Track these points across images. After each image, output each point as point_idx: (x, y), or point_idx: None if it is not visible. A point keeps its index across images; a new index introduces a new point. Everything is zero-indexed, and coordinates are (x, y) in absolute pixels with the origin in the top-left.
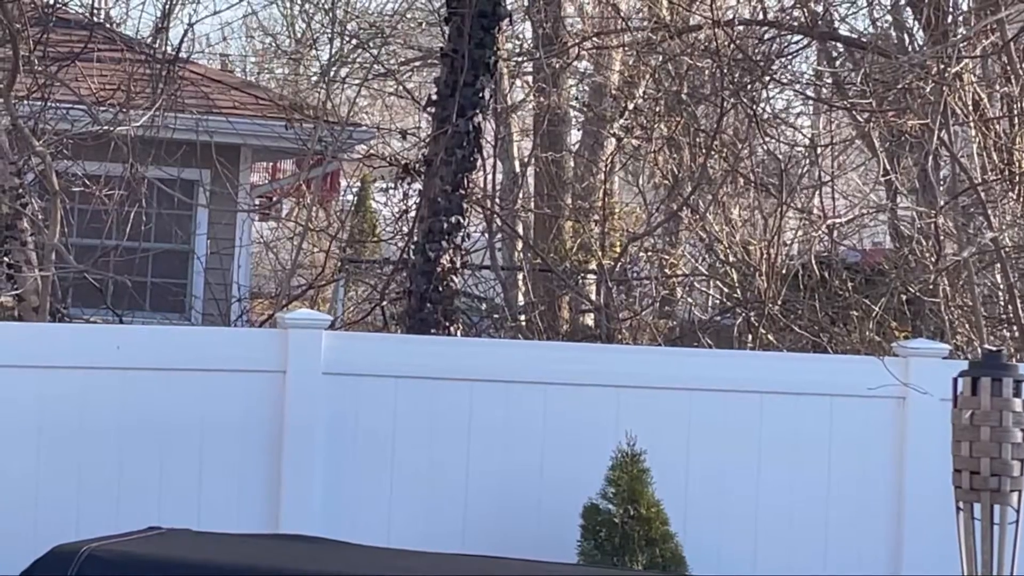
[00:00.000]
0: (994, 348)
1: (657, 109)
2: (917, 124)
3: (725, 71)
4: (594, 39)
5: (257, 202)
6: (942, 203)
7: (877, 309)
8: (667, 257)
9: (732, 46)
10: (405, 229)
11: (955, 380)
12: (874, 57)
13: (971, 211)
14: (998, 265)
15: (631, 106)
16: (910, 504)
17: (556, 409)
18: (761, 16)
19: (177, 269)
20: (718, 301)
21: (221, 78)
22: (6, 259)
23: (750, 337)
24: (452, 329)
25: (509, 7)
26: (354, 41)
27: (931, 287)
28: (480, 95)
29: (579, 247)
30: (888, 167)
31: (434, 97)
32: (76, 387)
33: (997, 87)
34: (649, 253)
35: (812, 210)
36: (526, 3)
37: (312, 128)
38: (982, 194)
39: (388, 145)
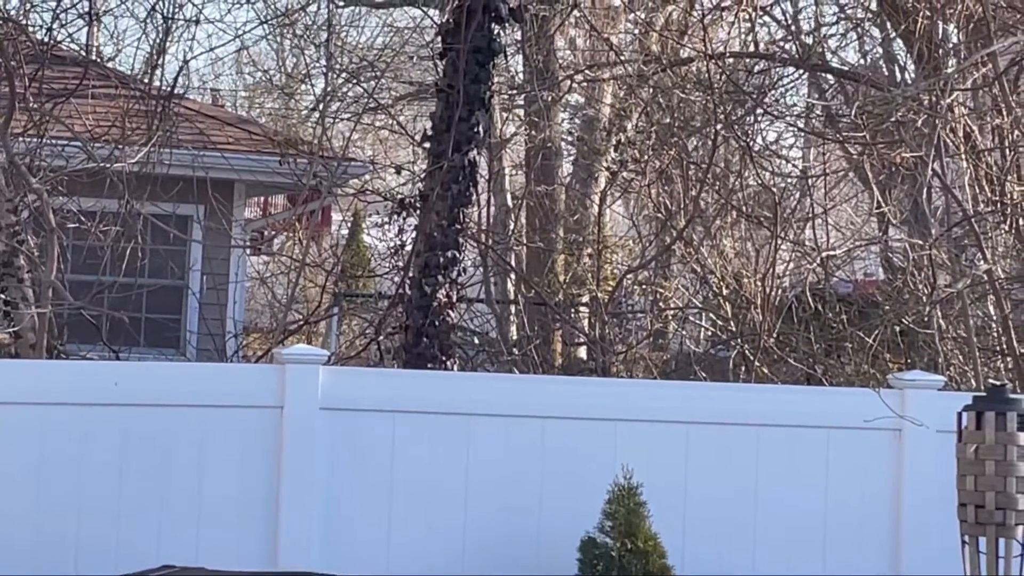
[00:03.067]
0: (998, 383)
1: (649, 142)
2: (910, 156)
3: (717, 103)
4: (586, 72)
5: (249, 239)
6: (936, 235)
7: (871, 341)
8: (661, 290)
9: (724, 78)
10: (400, 264)
11: (959, 414)
12: (867, 90)
13: (964, 243)
14: (991, 296)
15: (622, 138)
16: (908, 535)
17: (554, 443)
18: (752, 48)
19: (172, 305)
20: (711, 333)
21: (215, 114)
22: (3, 296)
23: (744, 369)
24: (449, 363)
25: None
26: (345, 75)
27: (925, 319)
28: (475, 130)
29: (572, 280)
30: (880, 199)
31: (429, 132)
32: (75, 424)
33: (988, 119)
34: (643, 286)
35: (805, 242)
36: (518, 37)
37: (307, 163)
38: (975, 226)
39: (382, 179)
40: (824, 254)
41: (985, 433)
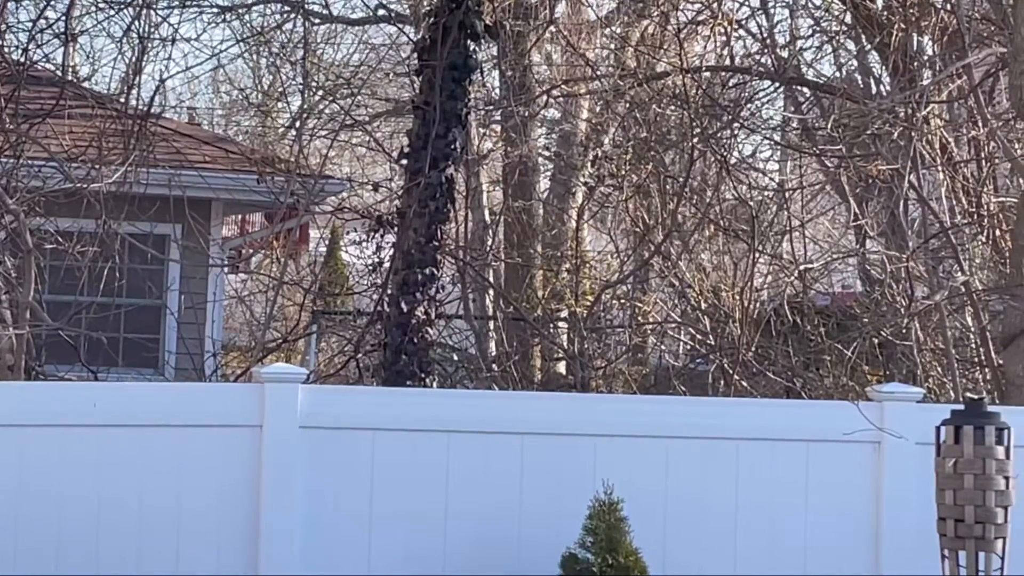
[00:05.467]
0: (976, 396)
1: (626, 156)
2: (886, 169)
3: (693, 117)
4: (562, 87)
5: (227, 257)
6: (913, 247)
7: (850, 354)
8: (639, 305)
9: (700, 92)
10: (379, 281)
11: (938, 429)
12: (843, 102)
13: (941, 254)
14: (969, 308)
15: (599, 153)
16: (887, 548)
17: (533, 459)
18: (728, 62)
19: (150, 324)
20: (690, 348)
21: (192, 132)
22: None
23: (723, 383)
24: (428, 381)
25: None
26: (321, 93)
27: (903, 331)
28: (452, 147)
29: (551, 295)
30: (857, 212)
31: (406, 149)
32: (54, 445)
33: (964, 131)
34: (622, 301)
35: (783, 255)
36: (494, 53)
37: (284, 181)
38: (952, 237)
39: (359, 196)
40: (802, 267)
41: (963, 447)
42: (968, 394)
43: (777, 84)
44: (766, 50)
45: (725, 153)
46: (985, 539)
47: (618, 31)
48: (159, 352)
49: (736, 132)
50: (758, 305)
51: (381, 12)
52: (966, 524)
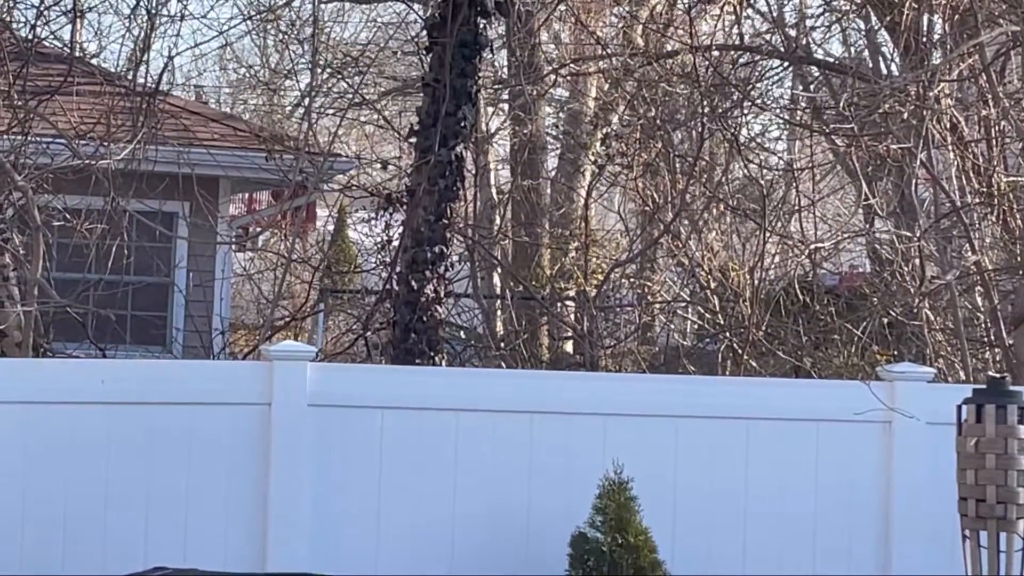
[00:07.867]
0: (998, 375)
1: (635, 135)
2: (897, 148)
3: (703, 96)
4: (571, 66)
5: (235, 235)
6: (923, 227)
7: (859, 333)
8: (648, 283)
9: (709, 71)
10: (387, 259)
11: (959, 407)
12: (853, 81)
13: (952, 234)
14: (979, 288)
15: (608, 131)
16: (898, 529)
17: (542, 438)
18: (737, 41)
19: (158, 302)
20: (699, 327)
21: (200, 110)
22: None
23: (732, 362)
24: (437, 359)
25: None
26: (329, 71)
27: (913, 310)
28: (462, 124)
29: (559, 274)
30: (868, 191)
31: (415, 127)
32: (62, 423)
33: (975, 110)
34: (631, 280)
35: (792, 235)
36: (502, 31)
37: (293, 159)
38: (963, 217)
39: (368, 175)
40: (812, 246)
41: (985, 426)
42: (990, 373)
43: (786, 63)
44: (775, 29)
45: (735, 132)
46: (1007, 519)
47: (627, 9)
48: (167, 330)
49: (746, 111)
50: (767, 284)
51: None
52: (987, 504)
